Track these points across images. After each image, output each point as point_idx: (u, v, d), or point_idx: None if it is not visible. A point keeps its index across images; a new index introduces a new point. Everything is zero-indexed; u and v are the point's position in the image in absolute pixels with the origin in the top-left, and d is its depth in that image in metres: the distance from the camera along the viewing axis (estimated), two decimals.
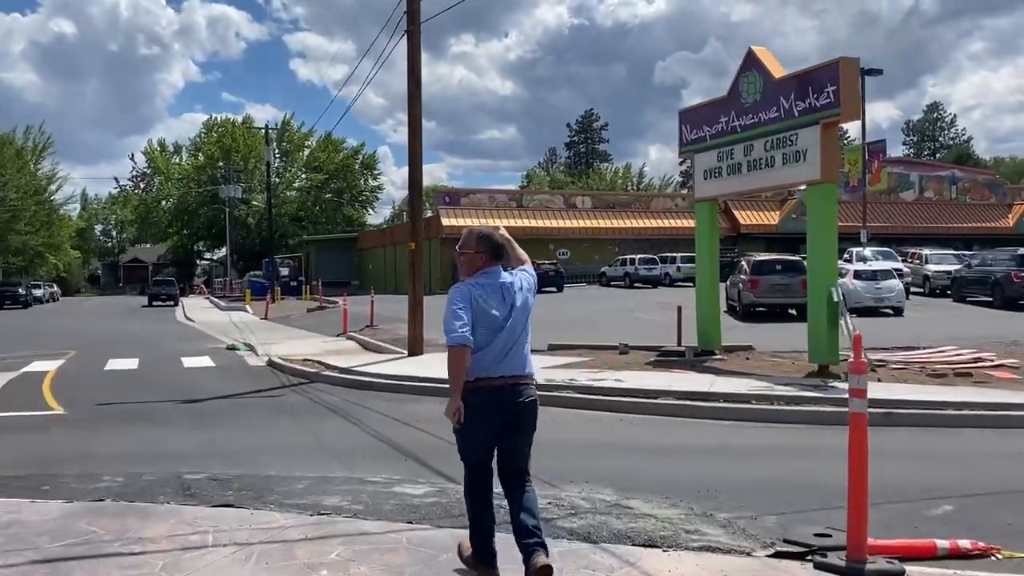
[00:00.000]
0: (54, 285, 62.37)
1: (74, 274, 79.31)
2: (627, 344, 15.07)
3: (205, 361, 16.96)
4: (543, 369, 12.74)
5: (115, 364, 16.41)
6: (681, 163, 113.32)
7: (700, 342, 14.68)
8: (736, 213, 49.81)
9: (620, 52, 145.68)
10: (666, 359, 13.99)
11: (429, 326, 16.12)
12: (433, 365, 13.91)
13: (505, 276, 4.29)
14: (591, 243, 47.92)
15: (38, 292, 52.37)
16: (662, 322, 22.81)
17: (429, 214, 54.98)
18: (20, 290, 46.81)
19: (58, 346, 20.64)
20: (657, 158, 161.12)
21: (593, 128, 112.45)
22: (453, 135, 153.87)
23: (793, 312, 22.70)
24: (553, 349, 15.87)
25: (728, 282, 24.96)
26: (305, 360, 15.69)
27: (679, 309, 15.43)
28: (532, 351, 4.42)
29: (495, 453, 4.30)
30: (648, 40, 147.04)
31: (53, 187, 65.42)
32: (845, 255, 29.28)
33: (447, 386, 4.24)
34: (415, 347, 15.77)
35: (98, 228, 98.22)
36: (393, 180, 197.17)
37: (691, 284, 40.29)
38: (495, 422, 4.16)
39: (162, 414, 10.48)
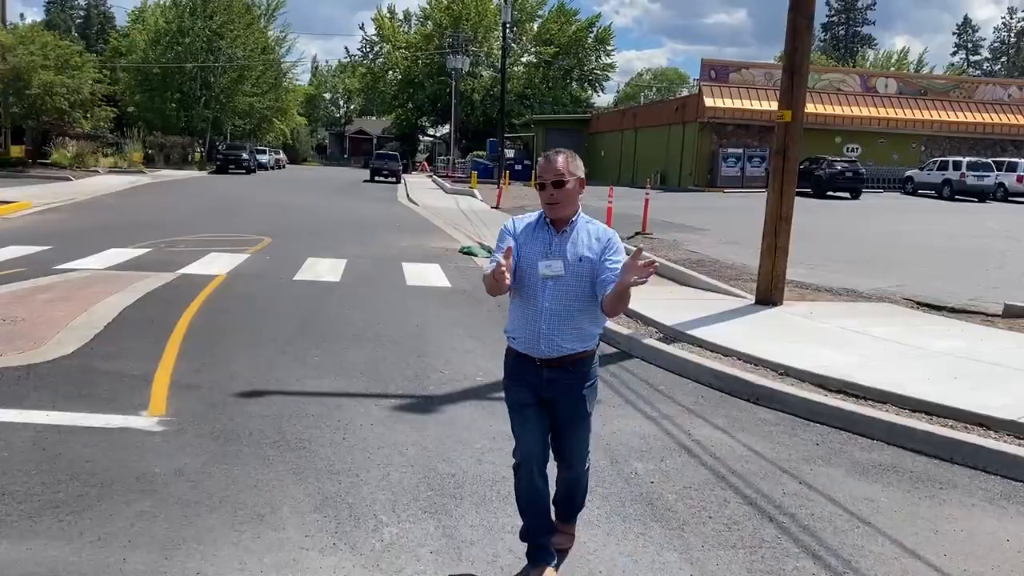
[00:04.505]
0: (280, 152, 60.98)
1: (302, 142, 78.76)
2: None
3: (435, 276, 11.59)
4: None
5: (311, 270, 11.46)
6: (953, 53, 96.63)
7: None
8: None
9: None
10: None
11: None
12: (826, 332, 7.64)
13: None
14: (889, 139, 38.24)
15: (263, 158, 50.52)
16: None
17: (684, 92, 47.23)
18: (244, 155, 44.59)
19: (254, 228, 16.34)
20: (904, 50, 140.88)
21: (857, 8, 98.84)
22: (679, 18, 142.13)
23: None
24: (1017, 317, 8.93)
25: None
26: None
27: None
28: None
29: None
30: None
31: (282, 49, 63.29)
32: None
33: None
34: (771, 290, 9.38)
35: (327, 96, 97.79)
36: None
37: None
38: None
39: (363, 451, 4.92)
